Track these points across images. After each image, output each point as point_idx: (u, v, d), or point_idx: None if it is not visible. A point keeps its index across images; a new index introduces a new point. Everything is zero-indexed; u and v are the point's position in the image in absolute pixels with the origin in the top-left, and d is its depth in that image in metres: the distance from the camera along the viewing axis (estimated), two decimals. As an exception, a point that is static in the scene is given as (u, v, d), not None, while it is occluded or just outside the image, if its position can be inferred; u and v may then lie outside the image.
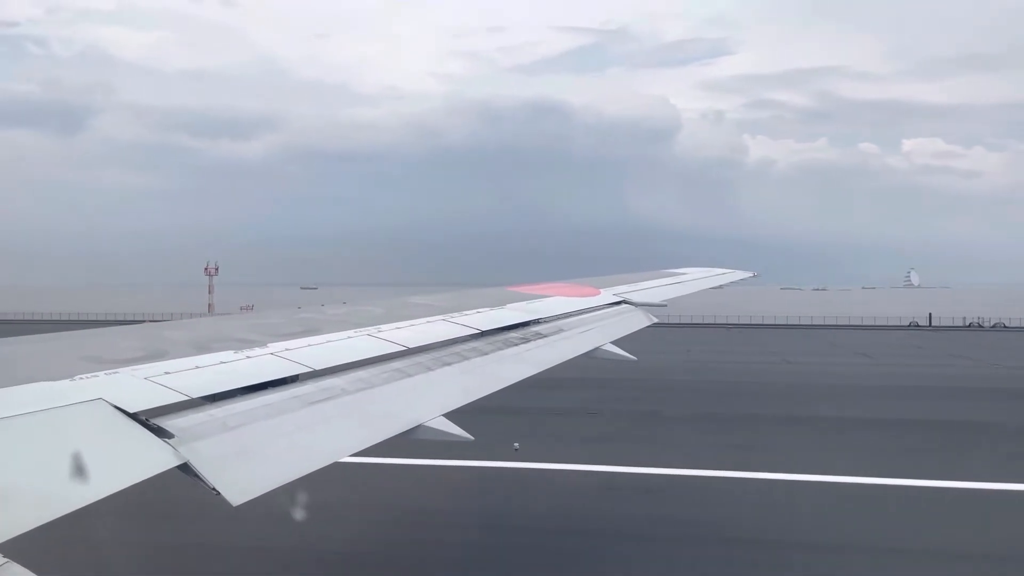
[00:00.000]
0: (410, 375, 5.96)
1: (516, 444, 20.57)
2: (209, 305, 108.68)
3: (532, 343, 8.00)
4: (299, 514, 11.84)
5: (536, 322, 8.82)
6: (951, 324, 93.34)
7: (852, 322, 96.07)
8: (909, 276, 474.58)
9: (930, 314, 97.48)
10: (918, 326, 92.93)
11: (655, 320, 11.16)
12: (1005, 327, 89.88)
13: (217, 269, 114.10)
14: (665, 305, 11.93)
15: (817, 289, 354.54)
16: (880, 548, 13.92)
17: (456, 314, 8.02)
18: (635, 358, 9.24)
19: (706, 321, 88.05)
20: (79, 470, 3.35)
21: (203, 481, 3.72)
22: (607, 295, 11.29)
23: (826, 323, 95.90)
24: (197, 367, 4.80)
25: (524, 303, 9.46)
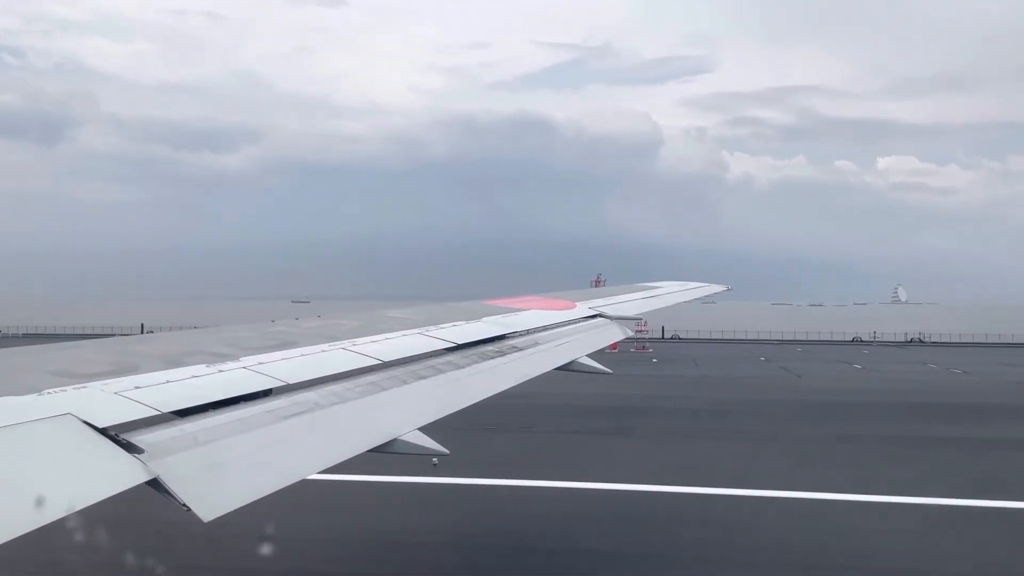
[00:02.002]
0: (385, 388, 5.94)
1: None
2: None
3: (508, 356, 8.00)
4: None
5: (512, 335, 8.83)
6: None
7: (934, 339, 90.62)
8: (896, 292, 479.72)
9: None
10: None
11: (630, 333, 11.22)
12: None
13: (604, 281, 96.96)
14: (640, 319, 12.00)
15: (813, 305, 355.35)
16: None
17: (432, 327, 8.02)
18: (610, 371, 9.27)
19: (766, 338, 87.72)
20: (47, 486, 3.30)
21: (173, 497, 3.67)
22: (583, 308, 11.34)
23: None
24: (168, 381, 4.74)
25: (500, 316, 9.47)
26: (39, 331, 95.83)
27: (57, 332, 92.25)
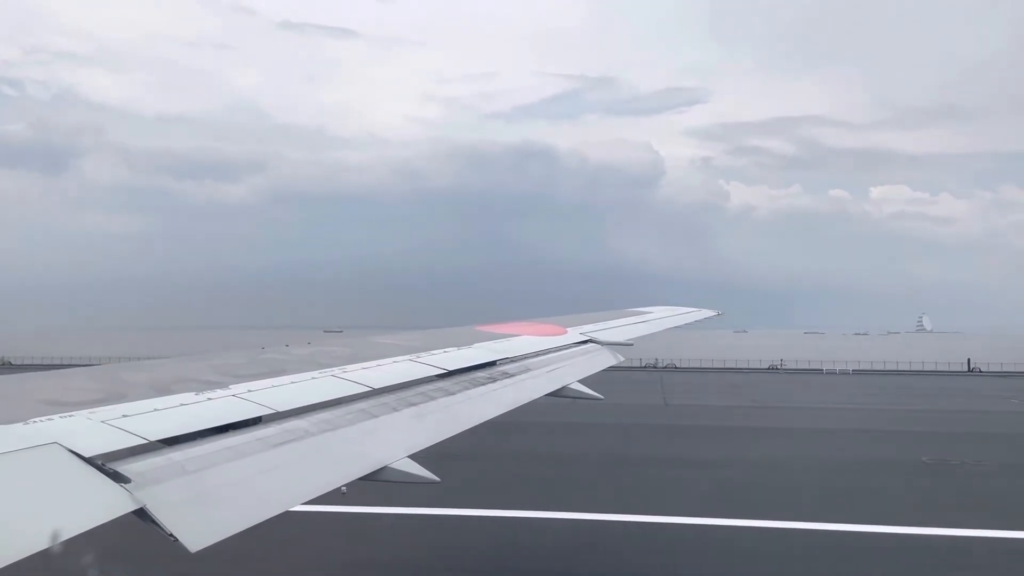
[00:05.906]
0: (375, 416, 5.90)
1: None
2: None
3: (499, 382, 7.97)
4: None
5: (503, 361, 8.81)
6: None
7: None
8: (921, 321, 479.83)
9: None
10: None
11: (622, 359, 11.21)
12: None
13: None
14: (631, 344, 11.99)
15: (858, 334, 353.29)
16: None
17: (422, 354, 7.99)
18: (602, 397, 9.24)
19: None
20: (32, 516, 3.25)
21: (160, 527, 3.63)
22: (574, 334, 11.34)
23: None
24: (156, 410, 4.70)
25: (491, 342, 9.45)
26: (48, 361, 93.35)
27: (74, 362, 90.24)
